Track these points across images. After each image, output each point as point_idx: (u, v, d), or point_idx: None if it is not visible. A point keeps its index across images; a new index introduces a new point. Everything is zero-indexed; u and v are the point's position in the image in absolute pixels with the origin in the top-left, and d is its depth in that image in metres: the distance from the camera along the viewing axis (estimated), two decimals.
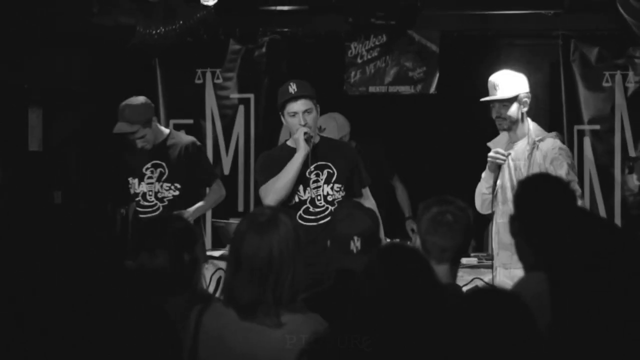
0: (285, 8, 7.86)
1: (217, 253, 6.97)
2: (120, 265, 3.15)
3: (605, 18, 7.45)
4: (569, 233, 2.86)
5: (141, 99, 6.34)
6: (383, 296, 2.81)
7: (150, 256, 3.75)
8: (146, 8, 7.36)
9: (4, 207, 7.40)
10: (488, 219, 5.86)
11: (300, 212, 5.46)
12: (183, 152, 6.37)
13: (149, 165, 6.36)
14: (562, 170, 5.50)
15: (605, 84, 7.59)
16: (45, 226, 3.19)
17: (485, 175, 5.71)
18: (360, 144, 7.30)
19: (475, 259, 6.62)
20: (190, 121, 7.98)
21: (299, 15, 7.90)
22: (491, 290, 2.87)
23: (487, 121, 5.78)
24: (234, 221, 6.86)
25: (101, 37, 7.41)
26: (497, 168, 5.65)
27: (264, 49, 7.95)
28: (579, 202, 4.95)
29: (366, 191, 5.66)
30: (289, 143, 5.62)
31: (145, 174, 6.36)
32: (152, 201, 6.35)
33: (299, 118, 5.45)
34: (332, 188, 5.52)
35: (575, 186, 5.37)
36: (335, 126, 7.30)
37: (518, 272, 3.88)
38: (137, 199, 6.38)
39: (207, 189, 6.51)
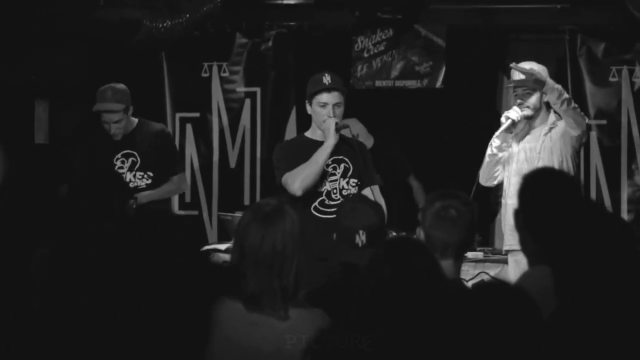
0: (292, 2, 7.86)
1: (222, 246, 6.97)
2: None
3: (612, 13, 7.43)
4: (574, 227, 2.86)
5: (122, 85, 6.36)
6: (388, 289, 2.81)
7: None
8: (152, 1, 7.35)
9: (10, 198, 7.40)
10: (494, 213, 5.89)
11: (316, 203, 5.45)
12: (153, 140, 6.39)
13: (119, 155, 6.38)
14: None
15: (612, 79, 7.57)
16: (52, 216, 3.22)
17: (498, 133, 5.81)
18: (377, 140, 7.29)
19: (481, 253, 6.62)
20: (197, 115, 7.99)
21: (305, 9, 7.90)
22: (497, 284, 2.86)
23: (492, 115, 5.79)
24: (240, 215, 6.84)
25: (107, 33, 7.40)
26: (511, 126, 5.77)
27: (270, 43, 7.94)
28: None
29: (376, 190, 5.58)
30: (307, 135, 5.61)
31: (115, 164, 6.37)
32: None
33: (329, 110, 5.42)
34: (347, 182, 5.51)
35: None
36: (365, 133, 7.25)
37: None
38: None
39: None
